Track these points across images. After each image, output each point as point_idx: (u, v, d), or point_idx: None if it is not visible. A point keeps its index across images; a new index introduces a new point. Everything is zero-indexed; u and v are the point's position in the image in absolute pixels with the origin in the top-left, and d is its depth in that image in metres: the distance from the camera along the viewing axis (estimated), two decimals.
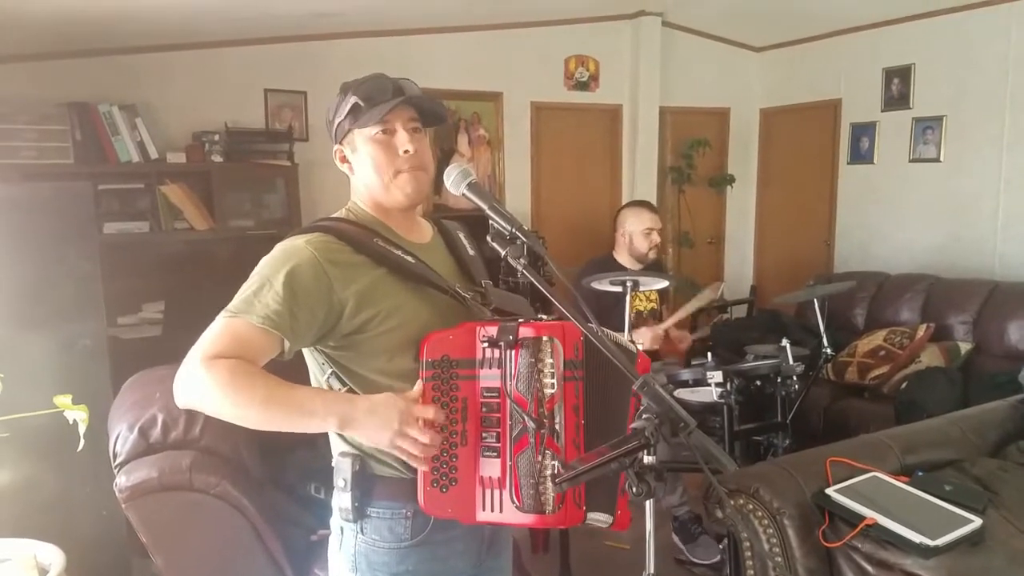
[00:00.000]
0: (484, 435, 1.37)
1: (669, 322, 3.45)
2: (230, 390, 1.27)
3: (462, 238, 1.67)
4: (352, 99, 1.45)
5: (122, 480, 2.10)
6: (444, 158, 5.57)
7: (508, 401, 1.34)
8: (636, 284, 3.11)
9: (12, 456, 2.48)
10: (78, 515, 2.77)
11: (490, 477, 1.36)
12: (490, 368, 1.37)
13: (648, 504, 1.44)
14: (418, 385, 1.37)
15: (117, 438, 2.21)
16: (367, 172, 1.48)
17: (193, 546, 2.19)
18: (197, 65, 4.72)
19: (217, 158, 4.53)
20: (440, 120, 1.58)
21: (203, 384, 1.28)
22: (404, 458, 1.35)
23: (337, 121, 1.48)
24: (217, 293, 1.40)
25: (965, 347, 4.23)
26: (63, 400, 1.96)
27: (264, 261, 1.40)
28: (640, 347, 3.03)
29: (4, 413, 2.15)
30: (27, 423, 2.13)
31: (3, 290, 2.75)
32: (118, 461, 2.18)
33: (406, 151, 1.47)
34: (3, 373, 2.19)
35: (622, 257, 3.62)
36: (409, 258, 1.46)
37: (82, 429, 1.97)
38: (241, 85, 4.86)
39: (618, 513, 1.49)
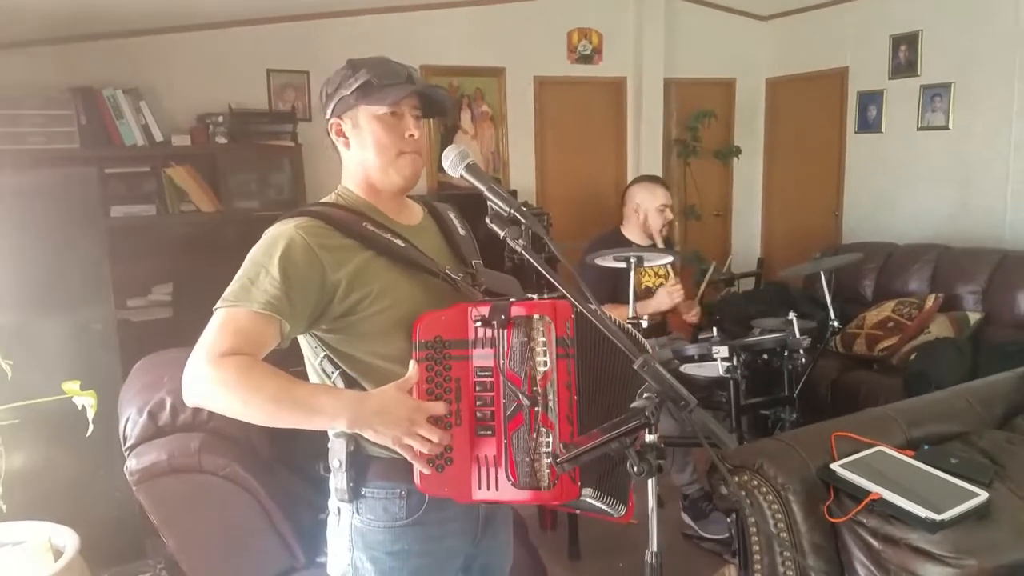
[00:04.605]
0: (478, 414, 1.38)
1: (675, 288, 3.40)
2: (239, 389, 1.28)
3: (453, 219, 1.68)
4: (364, 76, 1.45)
5: (132, 463, 2.12)
6: (447, 135, 5.56)
7: (502, 379, 1.36)
8: (640, 260, 3.09)
9: (25, 440, 2.51)
10: (91, 498, 2.81)
11: (485, 455, 1.37)
12: (483, 348, 1.38)
13: (650, 482, 1.45)
14: (412, 367, 1.38)
15: (127, 421, 2.23)
16: (367, 150, 1.49)
17: (203, 527, 2.22)
18: (199, 47, 4.71)
19: (221, 140, 4.53)
20: (442, 113, 1.60)
21: (211, 384, 1.29)
22: (409, 457, 1.36)
23: (342, 94, 1.47)
24: (225, 274, 1.40)
25: (975, 317, 4.20)
26: (71, 386, 1.98)
27: (256, 248, 1.40)
28: (645, 322, 3.04)
29: (16, 398, 2.18)
30: (39, 408, 2.16)
31: (13, 277, 2.77)
32: (128, 444, 2.20)
33: (411, 135, 1.49)
34: (14, 359, 2.22)
35: (631, 232, 3.57)
36: (398, 241, 1.46)
37: (91, 415, 2.00)
38: (244, 66, 4.85)
39: (630, 504, 1.50)
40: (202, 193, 4.47)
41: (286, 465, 2.44)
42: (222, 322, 1.33)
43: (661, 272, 3.61)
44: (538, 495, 1.36)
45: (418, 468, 1.38)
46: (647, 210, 3.50)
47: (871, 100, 5.69)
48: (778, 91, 6.58)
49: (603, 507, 1.44)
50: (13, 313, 2.74)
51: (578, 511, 1.47)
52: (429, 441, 1.34)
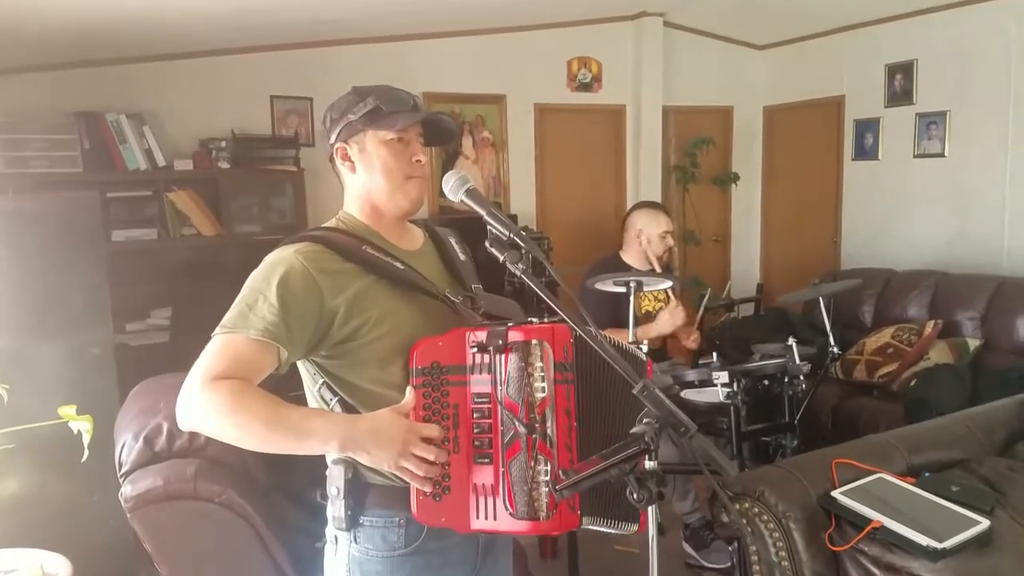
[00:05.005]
0: (476, 442, 1.36)
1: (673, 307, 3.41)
2: (232, 412, 1.28)
3: (453, 243, 1.68)
4: (373, 103, 1.47)
5: (127, 489, 2.09)
6: (449, 160, 5.58)
7: (499, 407, 1.34)
8: (640, 285, 3.09)
9: (19, 466, 2.50)
10: (85, 524, 2.78)
11: (483, 484, 1.35)
12: (480, 373, 1.36)
13: (651, 509, 1.43)
14: (409, 393, 1.37)
15: (123, 447, 2.21)
16: (375, 175, 1.49)
17: (198, 555, 2.19)
18: (203, 73, 4.75)
19: (224, 164, 4.55)
20: (445, 142, 1.62)
21: (205, 407, 1.29)
22: (407, 478, 1.35)
23: (349, 119, 1.48)
24: (225, 299, 1.40)
25: (974, 343, 4.20)
26: (67, 411, 1.96)
27: (255, 274, 1.40)
28: (645, 347, 3.03)
29: (12, 422, 2.16)
30: (34, 433, 2.15)
31: (13, 300, 2.76)
32: (124, 470, 2.17)
33: (418, 160, 1.50)
34: (11, 383, 2.21)
35: (630, 257, 3.58)
36: (398, 264, 1.46)
37: (86, 440, 1.98)
38: (247, 92, 4.88)
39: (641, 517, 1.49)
40: (204, 217, 4.48)
41: (283, 492, 2.41)
42: (219, 348, 1.33)
43: (661, 297, 3.61)
44: (537, 526, 1.34)
45: (415, 492, 1.36)
46: (649, 236, 3.51)
47: (867, 128, 5.73)
48: (775, 119, 6.63)
49: (609, 530, 1.43)
50: (11, 337, 2.73)
51: (591, 527, 1.44)
52: (426, 462, 1.33)
